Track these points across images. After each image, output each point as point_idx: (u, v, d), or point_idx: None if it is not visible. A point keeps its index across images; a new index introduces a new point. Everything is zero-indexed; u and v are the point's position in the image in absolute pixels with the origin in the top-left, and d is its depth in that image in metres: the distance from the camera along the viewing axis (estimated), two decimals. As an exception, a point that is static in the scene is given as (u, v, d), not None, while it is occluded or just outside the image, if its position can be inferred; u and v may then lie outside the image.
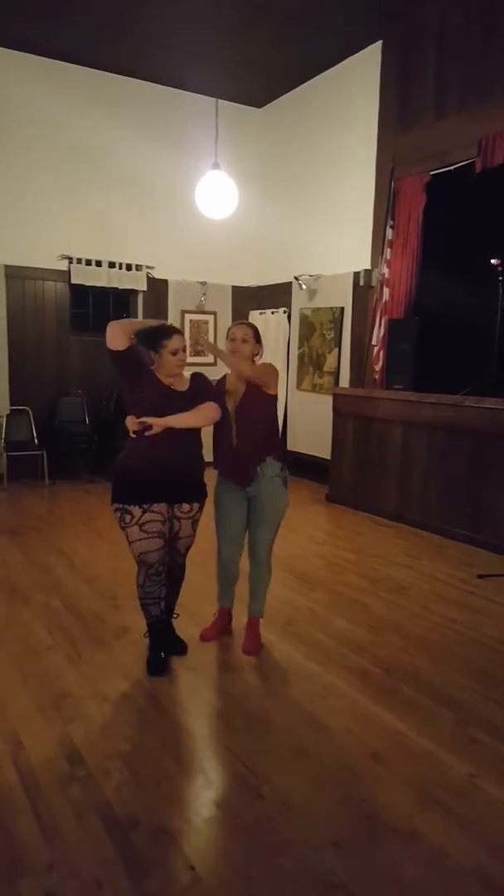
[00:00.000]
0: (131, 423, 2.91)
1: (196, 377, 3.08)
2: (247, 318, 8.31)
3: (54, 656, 3.18)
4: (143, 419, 2.85)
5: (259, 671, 3.08)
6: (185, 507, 3.03)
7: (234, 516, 3.25)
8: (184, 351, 2.93)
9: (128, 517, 2.91)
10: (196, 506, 3.07)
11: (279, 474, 3.22)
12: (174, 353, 2.90)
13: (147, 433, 2.85)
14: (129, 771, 2.32)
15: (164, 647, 3.08)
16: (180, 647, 3.21)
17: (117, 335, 2.88)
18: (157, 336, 2.92)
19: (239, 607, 3.49)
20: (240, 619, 3.46)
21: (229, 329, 3.27)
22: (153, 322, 3.02)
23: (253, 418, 3.12)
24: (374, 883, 1.86)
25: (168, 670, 3.02)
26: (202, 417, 2.95)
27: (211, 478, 3.20)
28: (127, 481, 2.94)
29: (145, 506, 2.90)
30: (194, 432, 3.01)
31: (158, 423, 2.84)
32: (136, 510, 2.90)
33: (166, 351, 2.90)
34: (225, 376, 3.26)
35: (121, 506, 2.93)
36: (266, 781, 2.28)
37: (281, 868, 1.91)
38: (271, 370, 3.18)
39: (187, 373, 3.06)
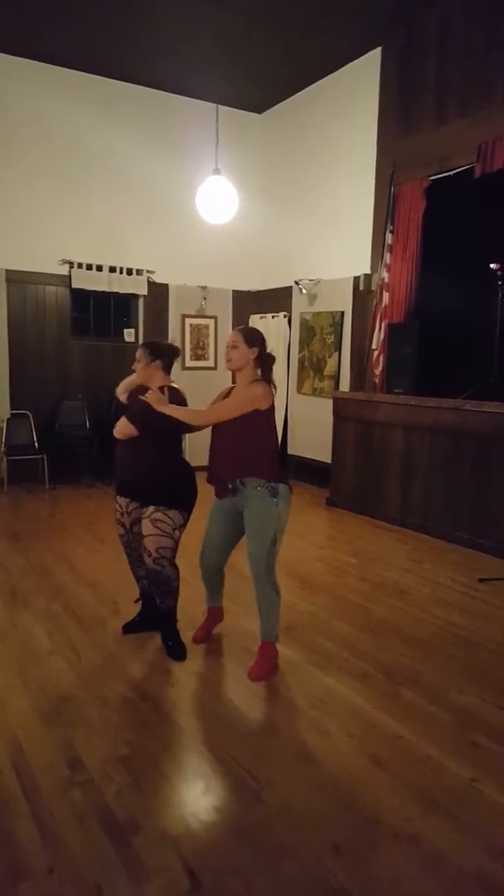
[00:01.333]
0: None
1: (166, 388, 3.25)
2: (247, 323, 8.34)
3: (55, 661, 3.18)
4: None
5: (260, 675, 3.07)
6: (145, 509, 3.24)
7: (218, 525, 3.20)
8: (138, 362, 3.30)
9: (115, 504, 3.41)
10: (151, 508, 3.19)
11: (264, 485, 3.00)
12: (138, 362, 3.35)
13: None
14: (130, 775, 2.32)
15: (145, 615, 3.49)
16: (179, 653, 3.22)
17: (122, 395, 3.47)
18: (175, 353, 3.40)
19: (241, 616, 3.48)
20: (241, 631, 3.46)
21: None
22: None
23: (233, 433, 3.00)
24: (375, 887, 1.86)
25: (133, 631, 3.45)
26: (116, 430, 3.26)
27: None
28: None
29: (118, 498, 3.35)
30: (152, 442, 3.18)
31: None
32: (117, 500, 3.38)
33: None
34: (233, 386, 3.19)
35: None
36: (267, 786, 2.28)
37: (282, 872, 1.90)
38: (230, 405, 3.05)
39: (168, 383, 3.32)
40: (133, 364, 3.31)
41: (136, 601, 3.54)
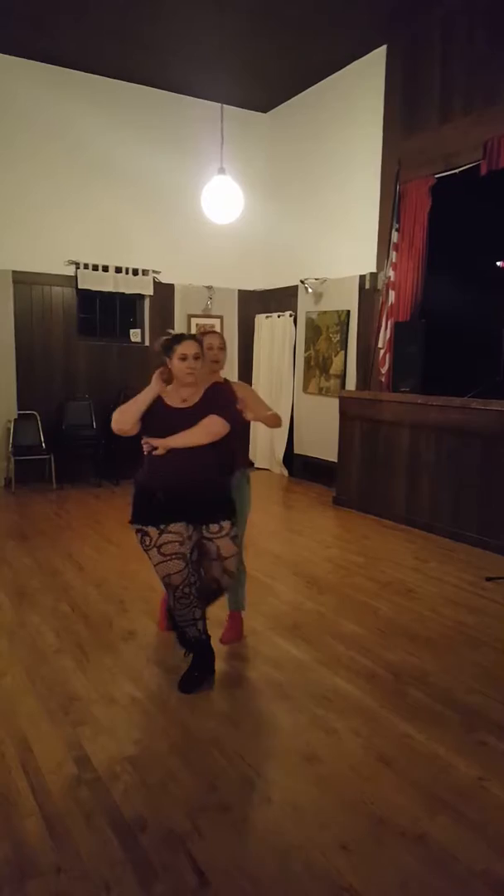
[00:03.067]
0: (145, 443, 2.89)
1: (213, 387, 2.95)
2: (253, 322, 8.37)
3: (62, 660, 3.19)
4: (147, 440, 2.83)
5: (267, 674, 3.08)
6: (214, 527, 2.87)
7: None
8: (195, 359, 2.80)
9: (147, 539, 2.82)
10: (227, 524, 2.90)
11: (243, 473, 3.31)
12: (182, 359, 2.78)
13: (154, 453, 2.82)
14: (138, 774, 2.32)
15: (201, 666, 2.98)
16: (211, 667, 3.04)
17: (129, 424, 2.80)
18: (170, 343, 2.84)
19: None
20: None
21: (202, 338, 3.17)
22: (148, 396, 2.84)
23: (235, 430, 3.07)
24: (382, 886, 1.86)
25: (197, 688, 2.92)
26: (204, 434, 2.80)
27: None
28: (143, 500, 2.86)
29: (161, 527, 2.80)
30: (212, 447, 2.84)
31: (161, 445, 2.79)
32: (154, 531, 2.80)
33: (175, 356, 2.79)
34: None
35: (139, 527, 2.84)
36: (274, 784, 2.28)
37: (289, 871, 1.90)
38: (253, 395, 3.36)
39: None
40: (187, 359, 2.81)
41: (187, 655, 3.01)
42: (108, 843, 2.00)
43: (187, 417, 2.82)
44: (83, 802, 2.17)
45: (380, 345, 6.33)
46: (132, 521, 2.87)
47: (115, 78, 7.33)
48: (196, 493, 2.83)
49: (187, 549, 2.82)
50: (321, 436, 7.31)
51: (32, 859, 1.93)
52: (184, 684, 2.91)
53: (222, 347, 3.20)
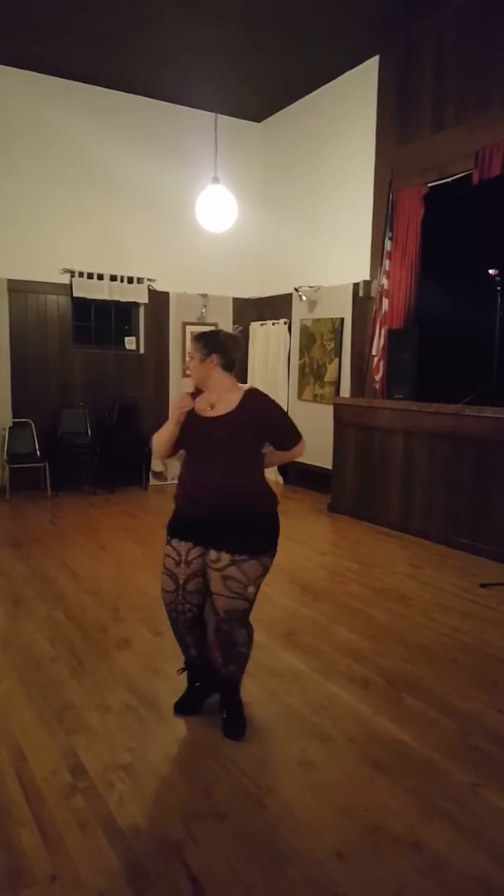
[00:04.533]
0: None
1: (251, 395, 2.61)
2: (247, 330, 8.40)
3: (57, 668, 3.18)
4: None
5: (262, 681, 3.08)
6: (213, 554, 2.54)
7: None
8: (190, 358, 2.67)
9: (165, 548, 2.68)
10: (226, 556, 2.51)
11: None
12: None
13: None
14: (132, 782, 2.32)
15: (198, 690, 2.82)
16: (235, 730, 2.65)
17: (164, 453, 2.68)
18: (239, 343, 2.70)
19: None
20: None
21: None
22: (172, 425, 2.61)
23: None
24: (377, 893, 1.86)
25: (192, 711, 2.79)
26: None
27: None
28: (175, 510, 2.70)
29: (170, 538, 2.65)
30: (247, 460, 2.58)
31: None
32: (166, 542, 2.67)
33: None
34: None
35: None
36: (269, 791, 2.28)
37: (284, 878, 1.90)
38: None
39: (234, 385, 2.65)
40: (186, 361, 2.73)
41: (181, 671, 2.86)
42: (103, 851, 1.99)
43: (221, 426, 2.54)
44: (78, 811, 2.17)
45: (374, 352, 6.36)
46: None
47: (110, 88, 7.37)
48: (215, 511, 2.53)
49: (181, 571, 2.57)
50: (316, 443, 7.29)
51: (26, 868, 1.92)
52: (179, 706, 2.79)
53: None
